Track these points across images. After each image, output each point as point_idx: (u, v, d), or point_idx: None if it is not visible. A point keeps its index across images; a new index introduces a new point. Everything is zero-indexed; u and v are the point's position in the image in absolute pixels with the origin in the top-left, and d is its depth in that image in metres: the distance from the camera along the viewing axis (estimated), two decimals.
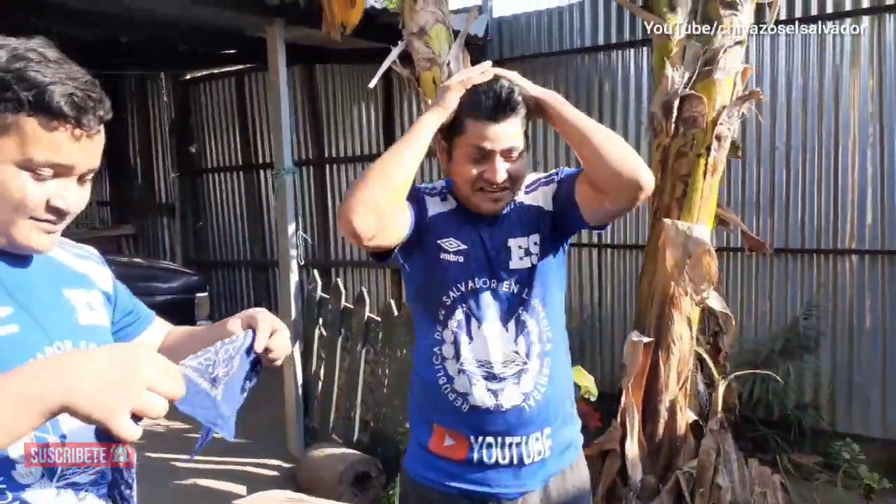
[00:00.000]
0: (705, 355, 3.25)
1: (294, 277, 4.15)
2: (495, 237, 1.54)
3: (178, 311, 5.24)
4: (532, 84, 1.53)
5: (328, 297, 4.12)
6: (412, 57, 3.32)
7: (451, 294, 1.53)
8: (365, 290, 3.95)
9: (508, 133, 1.46)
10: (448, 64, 3.17)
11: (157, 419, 0.80)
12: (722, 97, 2.99)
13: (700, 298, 2.99)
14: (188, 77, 7.26)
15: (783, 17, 4.46)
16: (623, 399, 3.10)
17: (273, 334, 1.08)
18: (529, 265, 1.54)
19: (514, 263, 1.53)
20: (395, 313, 3.75)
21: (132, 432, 0.77)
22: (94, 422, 0.76)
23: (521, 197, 1.58)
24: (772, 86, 4.59)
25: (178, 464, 4.16)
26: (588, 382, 3.48)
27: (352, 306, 3.95)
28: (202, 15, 4.35)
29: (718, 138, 2.99)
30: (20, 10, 4.80)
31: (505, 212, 1.56)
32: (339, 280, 4.22)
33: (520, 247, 1.54)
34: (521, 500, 1.55)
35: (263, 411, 4.85)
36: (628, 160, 1.43)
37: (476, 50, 5.46)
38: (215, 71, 6.90)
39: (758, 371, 3.79)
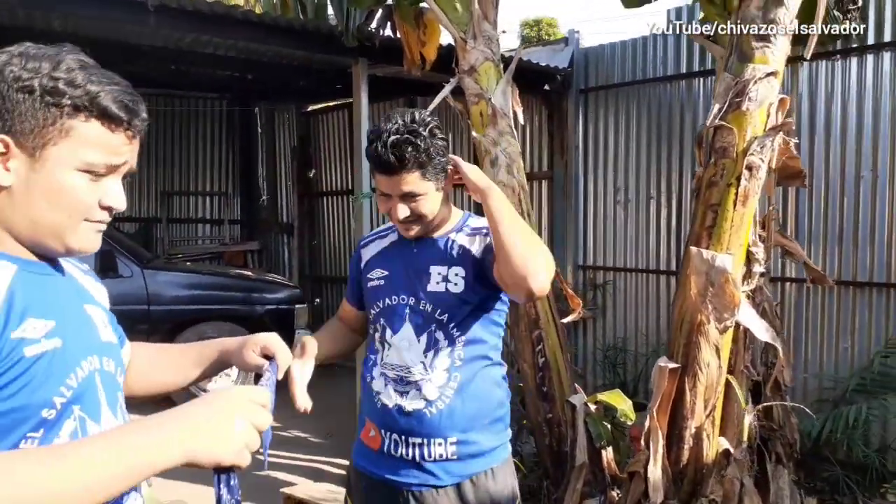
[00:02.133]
0: (735, 385, 3.23)
1: None
2: (419, 261, 1.77)
3: (279, 319, 5.81)
4: (475, 172, 1.67)
5: None
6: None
7: (374, 309, 1.79)
8: None
9: (403, 182, 1.65)
10: (489, 100, 3.42)
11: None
12: (753, 128, 3.02)
13: (723, 326, 3.01)
14: (309, 109, 7.99)
15: (871, 41, 4.32)
16: (647, 423, 3.17)
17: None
18: (444, 290, 1.72)
19: (431, 286, 1.73)
20: None
21: (248, 459, 0.90)
22: (220, 467, 0.90)
23: (459, 235, 1.78)
24: (858, 113, 4.42)
25: (258, 457, 4.62)
26: (625, 406, 3.55)
27: None
28: (299, 56, 4.89)
29: (750, 168, 3.02)
30: (164, 57, 5.59)
31: (439, 242, 1.78)
32: None
33: (439, 273, 1.74)
34: (430, 493, 1.73)
35: (339, 413, 5.27)
36: (528, 264, 1.56)
37: (560, 80, 5.67)
38: (331, 103, 7.54)
39: (790, 405, 3.66)
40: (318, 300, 7.55)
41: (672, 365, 3.14)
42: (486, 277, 1.71)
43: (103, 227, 1.04)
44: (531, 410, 3.65)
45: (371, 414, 1.79)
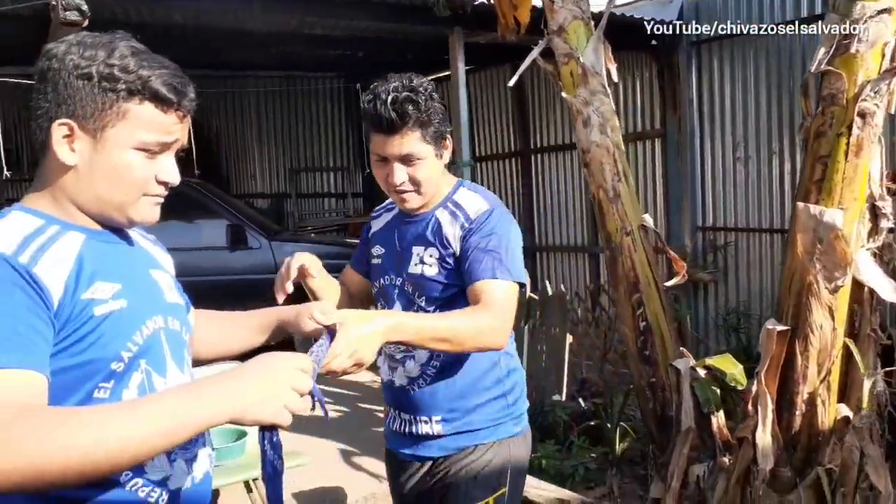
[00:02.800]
0: (854, 349, 3.02)
1: None
2: (405, 240, 1.74)
3: None
4: (377, 324, 1.39)
5: None
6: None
7: (374, 288, 1.82)
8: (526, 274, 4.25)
9: (403, 142, 1.59)
10: (578, 59, 3.35)
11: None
12: (865, 71, 2.76)
13: (833, 286, 2.81)
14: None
15: None
16: (755, 387, 3.04)
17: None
18: (420, 273, 1.70)
19: (411, 268, 1.71)
20: (549, 294, 4.00)
21: (288, 420, 0.99)
22: (262, 425, 1.01)
23: (442, 213, 1.71)
24: None
25: (380, 414, 4.88)
26: (735, 370, 3.41)
27: None
28: (399, 30, 4.98)
29: (862, 115, 2.77)
30: (277, 41, 5.88)
31: (424, 219, 1.72)
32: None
33: (417, 254, 1.71)
34: (415, 464, 1.79)
35: None
36: (475, 347, 1.58)
37: (668, 33, 5.40)
38: (439, 74, 7.61)
39: None
40: None
41: (781, 327, 2.98)
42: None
43: (161, 199, 1.15)
44: (634, 374, 3.59)
45: (383, 389, 1.89)
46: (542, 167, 6.82)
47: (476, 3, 4.38)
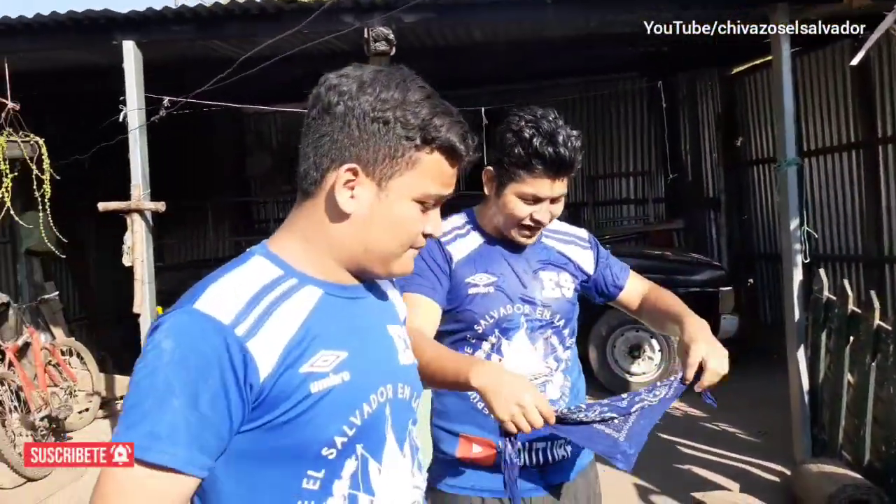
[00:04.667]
0: None
1: (798, 276, 3.90)
2: (526, 268, 1.71)
3: (700, 303, 5.41)
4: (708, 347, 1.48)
5: (835, 299, 3.73)
6: None
7: (484, 322, 1.66)
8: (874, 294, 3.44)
9: (563, 184, 1.61)
10: None
11: (519, 430, 1.28)
12: None
13: None
14: (734, 72, 7.31)
15: None
16: None
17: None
18: (560, 296, 1.72)
19: (546, 293, 1.70)
20: None
21: (510, 427, 1.27)
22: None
23: (551, 240, 1.77)
24: None
25: (684, 449, 4.40)
26: None
27: (860, 311, 3.50)
28: (711, 16, 4.45)
29: None
30: (581, 44, 5.73)
31: (537, 247, 1.73)
32: (845, 280, 3.76)
33: (550, 279, 1.72)
34: (547, 496, 1.67)
35: (774, 412, 4.67)
36: None
37: None
38: (757, 62, 6.77)
39: None
40: (751, 280, 6.88)
41: None
42: (586, 289, 1.81)
43: (417, 253, 1.07)
44: None
45: (478, 429, 1.64)
46: (892, 159, 5.62)
47: None
